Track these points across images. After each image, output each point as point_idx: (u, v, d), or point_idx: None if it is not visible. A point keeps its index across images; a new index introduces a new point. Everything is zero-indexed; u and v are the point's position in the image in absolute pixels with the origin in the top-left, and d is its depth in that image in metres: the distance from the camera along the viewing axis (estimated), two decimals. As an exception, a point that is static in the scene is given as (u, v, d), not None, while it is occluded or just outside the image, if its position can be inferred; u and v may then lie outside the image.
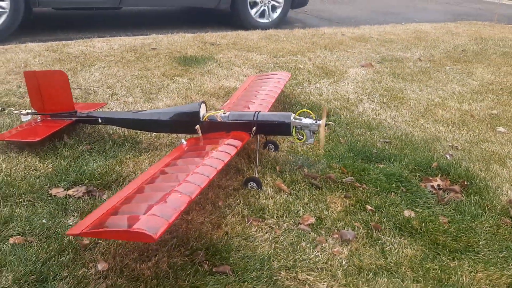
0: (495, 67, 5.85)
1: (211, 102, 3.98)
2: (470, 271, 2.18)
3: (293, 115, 2.84)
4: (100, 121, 3.14)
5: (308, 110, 2.93)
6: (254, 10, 7.26)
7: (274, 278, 2.04)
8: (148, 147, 3.16)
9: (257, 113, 2.88)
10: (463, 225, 2.52)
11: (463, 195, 2.83)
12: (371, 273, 2.12)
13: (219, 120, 2.91)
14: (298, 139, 2.84)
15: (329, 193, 2.75)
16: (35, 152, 2.90)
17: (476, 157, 3.37)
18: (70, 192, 2.54)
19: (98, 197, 2.53)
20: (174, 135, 3.28)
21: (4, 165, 2.72)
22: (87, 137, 3.19)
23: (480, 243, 2.40)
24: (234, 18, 7.25)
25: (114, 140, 3.16)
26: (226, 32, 6.64)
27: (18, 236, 2.13)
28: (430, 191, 2.86)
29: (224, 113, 2.92)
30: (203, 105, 2.97)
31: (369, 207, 2.63)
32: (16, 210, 2.31)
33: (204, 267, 2.06)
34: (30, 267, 1.94)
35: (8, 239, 2.11)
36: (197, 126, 2.83)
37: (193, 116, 2.91)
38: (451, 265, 2.23)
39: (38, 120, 3.19)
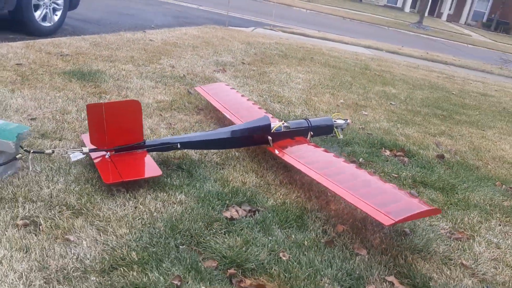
0: (295, 67, 7.75)
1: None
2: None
3: (331, 118, 3.79)
4: (179, 146, 3.18)
5: (339, 113, 3.92)
6: (38, 13, 6.79)
7: None
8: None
9: (308, 120, 3.67)
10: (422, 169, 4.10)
11: (406, 157, 4.43)
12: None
13: (283, 130, 3.54)
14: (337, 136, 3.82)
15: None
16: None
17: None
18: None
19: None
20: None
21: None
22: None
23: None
24: (18, 22, 6.52)
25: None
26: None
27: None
28: (390, 156, 4.34)
29: (283, 124, 3.56)
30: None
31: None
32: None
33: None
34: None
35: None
36: (270, 138, 3.42)
37: (266, 129, 3.44)
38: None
39: (107, 157, 2.95)
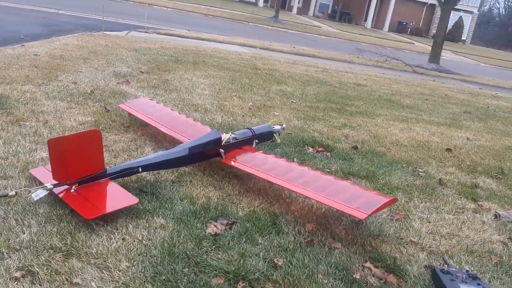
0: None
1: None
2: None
3: (270, 125, 4.06)
4: (141, 170, 3.17)
5: (275, 119, 4.19)
6: None
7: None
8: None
9: (252, 129, 3.88)
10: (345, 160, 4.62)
11: (327, 151, 4.90)
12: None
13: (232, 142, 3.72)
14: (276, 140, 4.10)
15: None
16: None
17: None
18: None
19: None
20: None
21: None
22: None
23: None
24: None
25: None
26: None
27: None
28: (314, 153, 4.77)
29: (231, 135, 3.74)
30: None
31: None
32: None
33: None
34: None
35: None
36: (222, 150, 3.59)
37: (218, 143, 3.59)
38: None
39: (73, 190, 2.85)
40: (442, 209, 3.81)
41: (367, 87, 9.65)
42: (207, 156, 3.59)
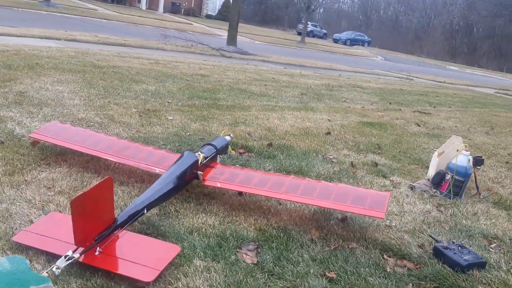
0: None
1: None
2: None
3: (223, 136, 3.97)
4: (146, 212, 2.82)
5: (224, 130, 4.08)
6: None
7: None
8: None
9: (212, 144, 3.75)
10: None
11: (249, 152, 5.00)
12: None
13: (204, 162, 3.54)
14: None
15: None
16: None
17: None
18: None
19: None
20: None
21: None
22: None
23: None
24: None
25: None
26: None
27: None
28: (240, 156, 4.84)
29: (202, 155, 3.55)
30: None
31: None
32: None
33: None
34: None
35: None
36: (200, 172, 3.45)
37: (196, 165, 3.41)
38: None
39: (97, 253, 2.42)
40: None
41: (211, 77, 9.86)
42: (187, 182, 3.36)
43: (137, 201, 2.82)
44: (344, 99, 10.01)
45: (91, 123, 4.99)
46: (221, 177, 3.40)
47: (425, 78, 22.96)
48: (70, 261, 2.25)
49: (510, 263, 3.25)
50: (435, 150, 5.05)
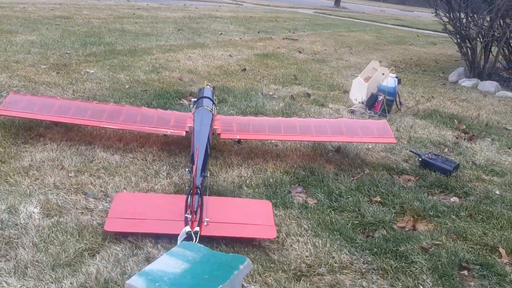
0: None
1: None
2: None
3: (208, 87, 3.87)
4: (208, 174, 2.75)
5: (205, 80, 3.93)
6: None
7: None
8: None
9: (208, 97, 3.63)
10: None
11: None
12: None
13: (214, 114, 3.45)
14: None
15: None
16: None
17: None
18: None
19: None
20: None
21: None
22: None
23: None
24: None
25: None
26: None
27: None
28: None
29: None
30: None
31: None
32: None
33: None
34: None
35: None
36: (215, 126, 3.41)
37: (213, 119, 3.34)
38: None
39: (205, 224, 2.37)
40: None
41: (75, 19, 8.85)
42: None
43: (198, 166, 2.71)
44: (219, 32, 10.03)
45: (15, 88, 4.27)
46: (233, 128, 3.39)
47: (254, 3, 23.76)
48: (197, 236, 2.16)
49: (469, 162, 4.03)
50: (357, 76, 5.65)
